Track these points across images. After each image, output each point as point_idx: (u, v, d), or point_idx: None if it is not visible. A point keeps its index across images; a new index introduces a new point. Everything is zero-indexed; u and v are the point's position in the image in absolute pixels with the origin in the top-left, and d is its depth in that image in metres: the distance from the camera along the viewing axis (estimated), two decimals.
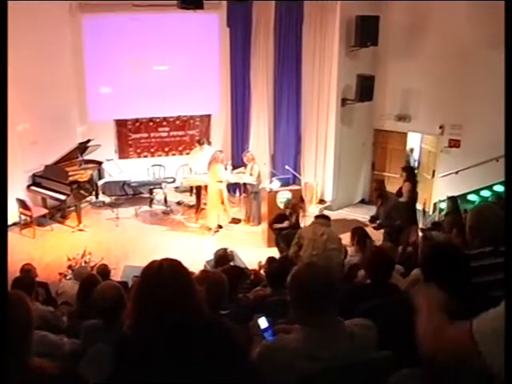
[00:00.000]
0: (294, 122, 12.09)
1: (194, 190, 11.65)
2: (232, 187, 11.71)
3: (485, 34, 9.53)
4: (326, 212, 11.38)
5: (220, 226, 10.74)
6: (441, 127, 11.11)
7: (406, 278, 4.46)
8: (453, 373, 1.84)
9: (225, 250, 7.34)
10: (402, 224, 8.79)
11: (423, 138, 12.40)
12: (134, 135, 12.75)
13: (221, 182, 10.41)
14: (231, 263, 6.82)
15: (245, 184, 11.01)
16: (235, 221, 11.13)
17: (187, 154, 12.62)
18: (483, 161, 10.20)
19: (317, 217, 7.56)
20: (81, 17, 11.31)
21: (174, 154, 13.08)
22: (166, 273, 2.02)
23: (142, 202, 12.19)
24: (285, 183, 10.17)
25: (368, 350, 2.30)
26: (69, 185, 10.68)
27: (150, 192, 12.10)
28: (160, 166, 12.68)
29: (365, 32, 10.68)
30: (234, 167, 11.21)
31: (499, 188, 9.89)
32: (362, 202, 12.64)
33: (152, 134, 12.88)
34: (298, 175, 11.38)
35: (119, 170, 11.66)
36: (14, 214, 10.36)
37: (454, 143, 11.09)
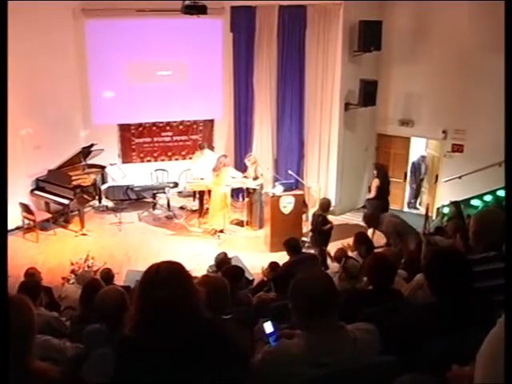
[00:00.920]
0: (297, 126, 12.09)
1: (197, 195, 11.66)
2: (235, 192, 11.71)
3: (488, 38, 9.52)
4: (329, 217, 11.39)
5: (222, 231, 10.73)
6: (444, 132, 11.10)
7: (409, 283, 4.45)
8: None
9: (225, 254, 7.36)
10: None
11: (428, 144, 12.38)
12: (137, 140, 12.77)
13: (230, 185, 10.52)
14: None
15: (247, 189, 11.01)
16: (239, 223, 11.17)
17: (190, 158, 12.62)
18: (486, 166, 10.17)
19: None
20: (84, 21, 11.34)
21: (177, 159, 13.09)
22: (163, 275, 2.04)
23: (145, 206, 12.20)
24: (288, 188, 10.16)
25: (371, 354, 2.29)
26: (72, 189, 10.69)
27: (153, 196, 12.11)
28: (163, 170, 12.70)
29: (368, 37, 10.69)
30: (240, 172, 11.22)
31: (502, 193, 9.88)
32: (365, 206, 12.60)
33: (155, 139, 12.89)
34: (301, 180, 11.38)
35: (122, 174, 11.67)
36: (17, 218, 10.39)
37: (457, 148, 11.07)
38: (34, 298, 4.31)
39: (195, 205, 11.94)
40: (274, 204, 9.98)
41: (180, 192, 12.74)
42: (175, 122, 12.87)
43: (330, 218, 11.40)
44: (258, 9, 11.66)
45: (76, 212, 11.11)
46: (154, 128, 12.82)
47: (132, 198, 12.38)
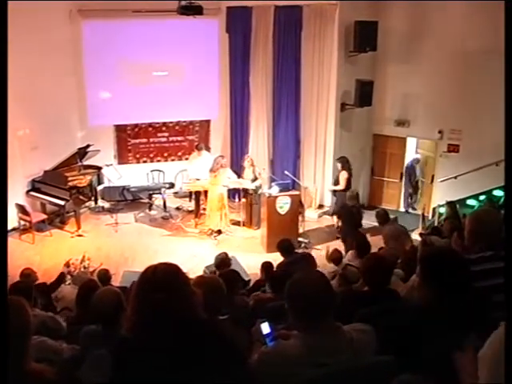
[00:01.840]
0: (294, 127, 12.09)
1: (194, 196, 11.65)
2: (231, 192, 11.71)
3: (484, 38, 9.56)
4: (325, 217, 11.40)
5: (219, 231, 10.73)
6: (440, 132, 11.12)
7: (406, 283, 4.45)
8: None
9: (226, 254, 7.35)
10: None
11: (418, 144, 12.37)
12: (133, 140, 12.75)
13: (227, 186, 10.52)
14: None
15: (244, 189, 11.02)
16: (235, 224, 11.17)
17: (186, 159, 12.60)
18: (482, 165, 10.19)
19: None
20: (81, 22, 11.32)
21: (173, 160, 13.08)
22: (160, 276, 2.05)
23: (142, 207, 12.18)
24: (284, 188, 10.16)
25: (367, 355, 2.29)
26: (68, 190, 10.67)
27: (150, 197, 12.09)
28: (159, 171, 12.68)
29: (363, 37, 10.71)
30: (236, 173, 11.22)
31: (499, 193, 9.90)
32: (362, 207, 12.61)
33: (151, 140, 12.88)
34: (297, 180, 11.38)
35: (118, 175, 11.66)
36: (13, 219, 10.36)
37: (453, 148, 11.09)
38: (28, 299, 4.29)
39: (191, 205, 11.92)
40: (270, 204, 9.98)
41: (176, 193, 12.72)
42: (171, 122, 12.86)
43: (327, 217, 11.49)
44: (253, 9, 11.65)
45: (72, 213, 11.08)
46: (150, 129, 12.81)
47: (128, 199, 12.36)
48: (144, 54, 11.84)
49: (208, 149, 12.33)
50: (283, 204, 9.98)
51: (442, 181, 10.98)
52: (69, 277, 7.53)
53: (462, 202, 10.37)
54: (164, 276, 2.06)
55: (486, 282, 2.84)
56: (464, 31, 10.20)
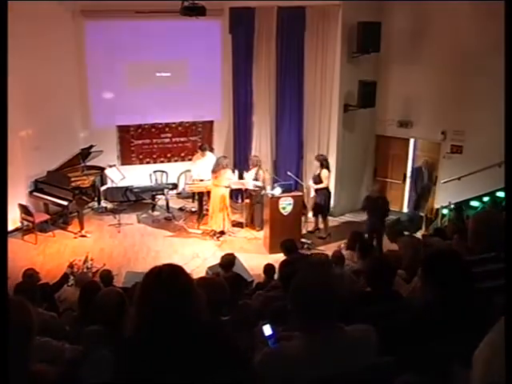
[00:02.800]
0: (296, 127, 12.09)
1: (196, 196, 11.65)
2: (234, 193, 11.71)
3: (487, 39, 9.53)
4: (329, 218, 11.38)
5: (222, 232, 10.73)
6: (443, 133, 11.09)
7: (408, 284, 4.45)
8: None
9: (233, 255, 7.32)
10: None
11: (417, 145, 12.29)
12: (136, 141, 12.77)
13: (229, 187, 10.52)
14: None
15: (247, 190, 11.01)
16: (238, 224, 11.17)
17: (189, 160, 12.62)
18: (485, 167, 10.17)
19: None
20: (83, 23, 11.35)
21: (176, 160, 13.09)
22: (165, 278, 2.05)
23: (144, 207, 12.20)
24: (287, 189, 10.15)
25: (370, 355, 2.29)
26: (71, 191, 10.69)
27: (152, 198, 12.11)
28: (162, 172, 12.70)
29: (367, 38, 10.69)
30: (240, 173, 11.22)
31: (502, 194, 9.87)
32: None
33: (154, 140, 12.89)
34: (300, 181, 11.36)
35: (121, 175, 11.67)
36: (16, 219, 10.39)
37: (457, 149, 11.07)
38: (31, 299, 4.30)
39: (194, 206, 11.94)
40: (273, 205, 9.97)
41: (179, 193, 12.74)
42: (174, 123, 12.88)
43: (330, 218, 11.47)
44: (256, 10, 11.66)
45: (75, 213, 11.11)
46: (153, 129, 12.82)
47: (131, 200, 12.38)
48: (147, 55, 11.87)
49: (212, 149, 12.33)
50: (286, 205, 9.98)
51: (445, 182, 10.96)
52: (72, 277, 7.55)
53: (466, 203, 10.35)
54: (169, 277, 2.06)
55: (488, 283, 2.84)
56: (467, 32, 10.18)
